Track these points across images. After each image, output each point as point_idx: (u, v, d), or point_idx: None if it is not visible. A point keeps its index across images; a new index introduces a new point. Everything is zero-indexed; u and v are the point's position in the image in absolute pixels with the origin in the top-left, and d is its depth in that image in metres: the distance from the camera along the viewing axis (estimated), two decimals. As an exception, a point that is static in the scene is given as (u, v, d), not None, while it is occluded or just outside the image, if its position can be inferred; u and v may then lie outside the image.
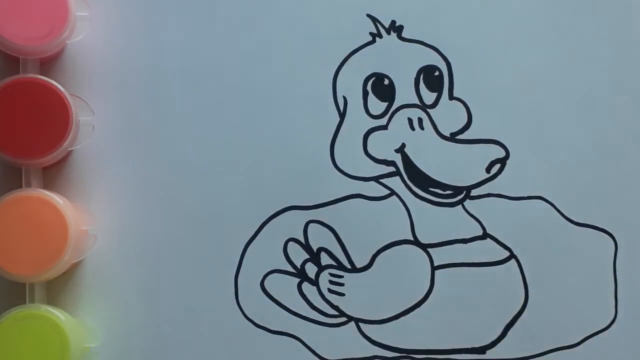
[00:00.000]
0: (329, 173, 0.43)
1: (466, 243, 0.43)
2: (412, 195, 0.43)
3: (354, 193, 0.43)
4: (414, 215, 0.43)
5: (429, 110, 0.44)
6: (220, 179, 0.42)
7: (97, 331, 0.41)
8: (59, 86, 0.39)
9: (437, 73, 0.44)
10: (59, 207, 0.39)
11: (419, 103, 0.44)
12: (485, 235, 0.43)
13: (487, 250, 0.43)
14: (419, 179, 0.43)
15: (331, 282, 0.43)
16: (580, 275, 0.44)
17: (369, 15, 0.44)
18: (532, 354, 0.43)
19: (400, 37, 0.44)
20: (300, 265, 0.43)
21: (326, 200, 0.43)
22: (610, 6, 0.45)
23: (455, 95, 0.44)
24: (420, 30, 0.44)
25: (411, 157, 0.43)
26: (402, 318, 0.43)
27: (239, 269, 0.42)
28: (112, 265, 0.42)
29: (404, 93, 0.44)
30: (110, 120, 0.42)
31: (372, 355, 0.43)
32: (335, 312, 0.43)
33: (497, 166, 0.44)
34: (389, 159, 0.43)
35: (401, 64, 0.44)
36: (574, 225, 0.44)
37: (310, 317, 0.43)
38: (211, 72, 0.43)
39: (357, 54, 0.43)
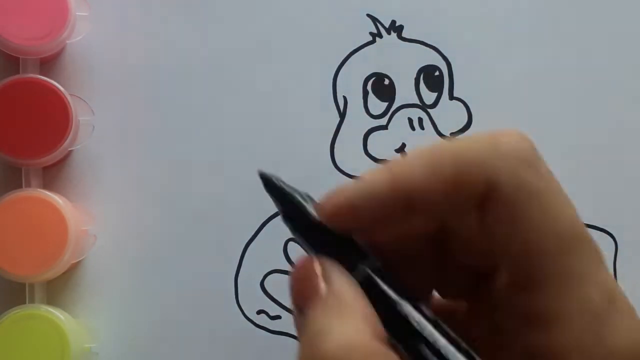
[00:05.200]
0: (329, 173, 0.43)
1: (466, 243, 0.43)
2: (412, 195, 0.43)
3: (354, 193, 0.43)
4: (414, 215, 0.43)
5: (429, 110, 0.44)
6: (220, 178, 0.42)
7: (97, 331, 0.41)
8: (59, 86, 0.39)
9: (437, 73, 0.44)
10: (59, 207, 0.39)
11: (419, 103, 0.44)
12: (485, 235, 0.43)
13: (487, 250, 0.43)
14: (419, 179, 0.43)
15: (331, 282, 0.42)
16: (580, 275, 0.44)
17: (369, 15, 0.44)
18: (532, 354, 0.43)
19: (400, 37, 0.44)
20: (300, 265, 0.43)
21: (326, 200, 0.43)
22: (610, 6, 0.45)
23: (455, 95, 0.44)
24: (420, 30, 0.44)
25: (411, 157, 0.43)
26: (402, 318, 0.43)
27: (239, 269, 0.42)
28: (112, 265, 0.42)
29: (404, 93, 0.43)
30: (110, 120, 0.42)
31: (372, 355, 0.43)
32: (335, 312, 0.43)
33: (497, 166, 0.44)
34: (389, 159, 0.43)
35: (401, 64, 0.44)
36: (574, 225, 0.44)
37: (310, 317, 0.43)
38: (211, 72, 0.43)
39: (357, 53, 0.43)
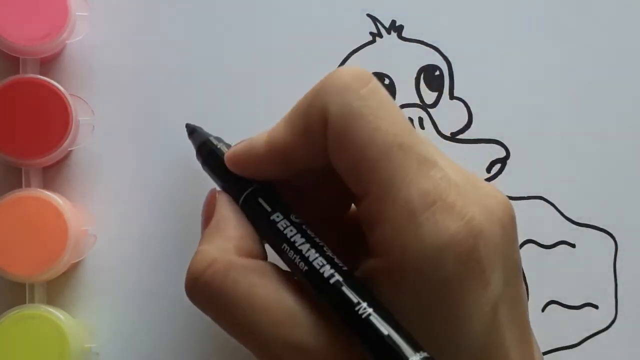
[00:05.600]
0: (329, 173, 0.43)
1: (466, 243, 0.43)
2: (412, 195, 0.43)
3: (354, 193, 0.43)
4: (414, 215, 0.43)
5: (429, 109, 0.44)
6: (220, 179, 0.42)
7: (97, 331, 0.41)
8: (59, 86, 0.39)
9: (437, 72, 0.44)
10: (59, 207, 0.39)
11: (419, 103, 0.44)
12: (485, 235, 0.43)
13: (487, 250, 0.43)
14: (419, 179, 0.43)
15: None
16: (580, 275, 0.44)
17: (369, 15, 0.44)
18: (532, 354, 0.43)
19: (400, 37, 0.44)
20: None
21: (326, 200, 0.43)
22: (610, 6, 0.45)
23: (455, 94, 0.44)
24: (420, 29, 0.44)
25: (411, 157, 0.43)
26: (402, 318, 0.43)
27: (239, 269, 0.42)
28: (112, 265, 0.41)
29: (405, 93, 0.43)
30: (110, 120, 0.42)
31: (372, 355, 0.43)
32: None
33: (498, 166, 0.44)
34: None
35: (401, 64, 0.44)
36: (575, 225, 0.44)
37: (311, 317, 0.42)
38: (211, 71, 0.43)
39: (357, 53, 0.43)
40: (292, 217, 0.32)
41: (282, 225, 0.32)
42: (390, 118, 0.30)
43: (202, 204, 0.39)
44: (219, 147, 0.37)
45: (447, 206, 0.29)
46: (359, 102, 0.30)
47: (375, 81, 0.31)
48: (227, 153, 0.35)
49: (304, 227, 0.32)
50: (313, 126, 0.31)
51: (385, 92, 0.31)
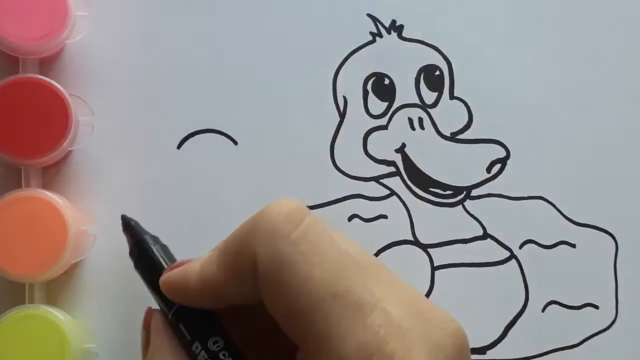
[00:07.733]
0: (329, 173, 0.43)
1: (466, 243, 0.43)
2: (412, 196, 0.43)
3: (354, 193, 0.43)
4: (414, 215, 0.43)
5: (429, 110, 0.44)
6: (220, 179, 0.42)
7: (97, 331, 0.41)
8: (59, 86, 0.39)
9: (437, 73, 0.44)
10: (59, 207, 0.39)
11: (419, 103, 0.44)
12: (485, 236, 0.43)
13: (488, 251, 0.43)
14: (419, 179, 0.43)
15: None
16: (580, 276, 0.44)
17: (369, 15, 0.44)
18: (532, 354, 0.43)
19: (400, 37, 0.44)
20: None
21: (326, 200, 0.43)
22: (611, 6, 0.45)
23: (455, 94, 0.44)
24: (420, 29, 0.44)
25: (411, 157, 0.43)
26: (403, 318, 0.43)
27: (239, 269, 0.42)
28: (112, 265, 0.41)
29: (405, 93, 0.43)
30: (110, 120, 0.42)
31: (372, 355, 0.43)
32: (335, 313, 0.43)
33: (498, 166, 0.44)
34: (389, 159, 0.43)
35: (401, 64, 0.44)
36: (575, 225, 0.44)
37: (310, 317, 0.42)
38: (211, 71, 0.43)
39: (357, 53, 0.43)
40: (211, 345, 0.31)
41: (201, 358, 0.31)
42: (324, 263, 0.28)
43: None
44: (155, 250, 0.36)
45: (385, 358, 0.26)
46: (289, 249, 0.28)
47: (308, 219, 0.29)
48: (162, 278, 0.33)
49: (222, 355, 0.31)
50: (243, 269, 0.29)
51: (320, 230, 0.29)
